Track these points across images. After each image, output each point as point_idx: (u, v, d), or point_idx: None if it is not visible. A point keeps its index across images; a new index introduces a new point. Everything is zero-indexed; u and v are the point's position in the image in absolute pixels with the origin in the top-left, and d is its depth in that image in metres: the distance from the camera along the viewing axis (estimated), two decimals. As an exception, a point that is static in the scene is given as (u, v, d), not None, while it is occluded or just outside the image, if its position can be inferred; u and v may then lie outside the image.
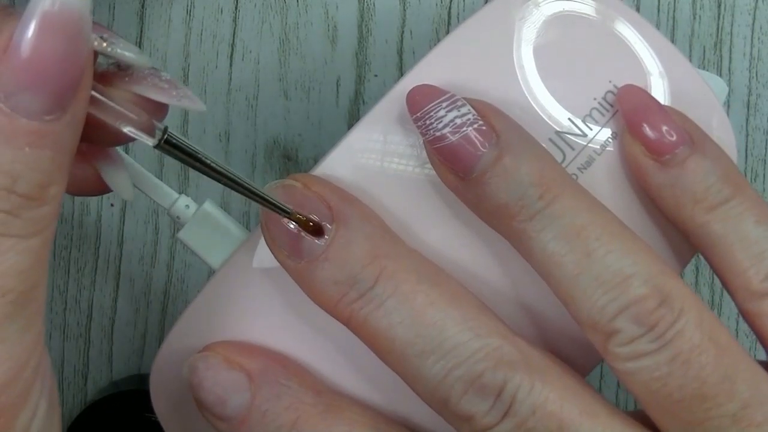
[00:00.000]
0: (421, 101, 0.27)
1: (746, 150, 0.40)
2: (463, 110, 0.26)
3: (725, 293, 0.39)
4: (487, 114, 0.27)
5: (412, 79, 0.28)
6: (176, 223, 0.29)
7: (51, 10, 0.20)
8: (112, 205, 0.40)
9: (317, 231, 0.26)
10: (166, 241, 0.40)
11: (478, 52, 0.28)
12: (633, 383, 0.25)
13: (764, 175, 0.40)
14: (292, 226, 0.26)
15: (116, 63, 0.24)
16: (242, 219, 0.40)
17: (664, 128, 0.27)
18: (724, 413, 0.24)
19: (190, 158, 0.24)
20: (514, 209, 0.26)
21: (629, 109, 0.28)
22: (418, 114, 0.27)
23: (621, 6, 0.29)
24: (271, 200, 0.26)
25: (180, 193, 0.30)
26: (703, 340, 0.24)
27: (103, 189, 0.26)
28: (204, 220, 0.29)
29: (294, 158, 0.40)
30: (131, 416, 0.38)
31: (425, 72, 0.28)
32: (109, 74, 0.24)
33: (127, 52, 0.23)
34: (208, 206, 0.29)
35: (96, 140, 0.24)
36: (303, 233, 0.26)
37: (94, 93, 0.22)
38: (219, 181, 0.25)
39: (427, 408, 0.26)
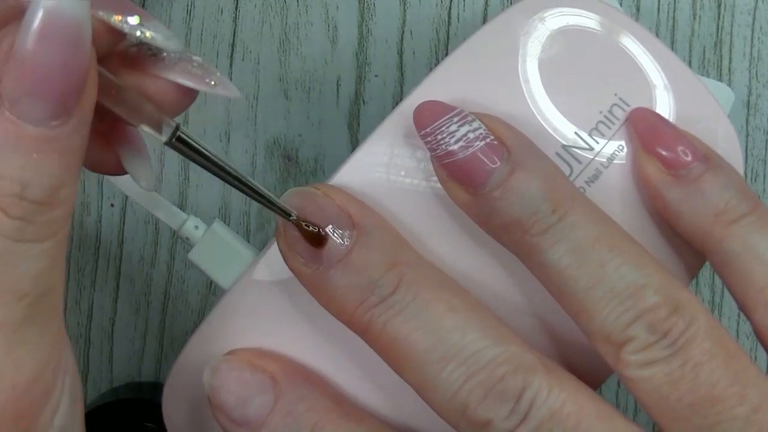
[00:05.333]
0: (430, 116, 0.27)
1: (746, 150, 0.40)
2: (475, 125, 0.26)
3: (726, 293, 0.39)
4: (498, 129, 0.27)
5: (419, 95, 0.28)
6: (185, 244, 0.29)
7: (48, 18, 0.20)
8: (112, 205, 0.40)
9: (318, 242, 0.26)
10: (166, 241, 0.40)
11: (483, 67, 0.28)
12: (643, 390, 0.25)
13: (764, 175, 0.40)
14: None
15: (148, 46, 0.23)
16: (242, 219, 0.40)
17: (679, 144, 0.27)
18: (736, 416, 0.25)
19: (199, 156, 0.24)
20: (527, 224, 0.26)
21: (643, 127, 0.28)
22: (428, 129, 0.27)
23: (625, 19, 0.28)
24: (277, 203, 0.26)
25: (179, 205, 0.30)
26: (713, 346, 0.25)
27: (123, 171, 0.26)
28: (213, 240, 0.29)
29: (294, 158, 0.40)
30: (131, 424, 0.38)
31: (432, 87, 0.28)
32: (140, 59, 0.23)
33: (156, 35, 0.22)
34: (217, 227, 0.29)
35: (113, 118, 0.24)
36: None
37: (107, 77, 0.22)
38: (226, 181, 0.25)
39: (444, 425, 0.26)
